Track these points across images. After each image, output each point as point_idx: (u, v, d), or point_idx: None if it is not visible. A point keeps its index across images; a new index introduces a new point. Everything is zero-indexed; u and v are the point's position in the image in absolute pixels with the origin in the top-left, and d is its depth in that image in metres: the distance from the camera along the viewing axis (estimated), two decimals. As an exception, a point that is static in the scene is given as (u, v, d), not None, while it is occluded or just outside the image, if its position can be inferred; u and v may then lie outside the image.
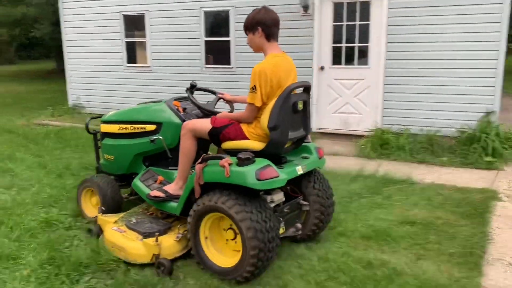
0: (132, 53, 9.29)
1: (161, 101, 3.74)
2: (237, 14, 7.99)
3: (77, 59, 9.93)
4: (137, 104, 4.00)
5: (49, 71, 24.65)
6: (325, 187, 3.55)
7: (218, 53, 8.50)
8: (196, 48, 8.48)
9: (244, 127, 3.16)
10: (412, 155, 6.29)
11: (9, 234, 3.46)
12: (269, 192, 3.17)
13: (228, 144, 3.19)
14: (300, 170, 3.18)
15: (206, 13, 8.31)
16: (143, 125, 3.68)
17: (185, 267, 3.18)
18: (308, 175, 3.49)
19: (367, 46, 7.15)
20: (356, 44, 7.24)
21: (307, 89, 3.25)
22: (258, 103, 3.02)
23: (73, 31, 9.85)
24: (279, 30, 3.22)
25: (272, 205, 3.16)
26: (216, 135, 3.21)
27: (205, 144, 3.52)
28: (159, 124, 3.61)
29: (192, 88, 3.60)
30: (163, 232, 3.28)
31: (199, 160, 3.06)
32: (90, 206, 4.01)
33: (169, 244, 3.20)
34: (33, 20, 17.36)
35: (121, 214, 3.63)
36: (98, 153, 4.22)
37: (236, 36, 8.08)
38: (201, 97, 4.05)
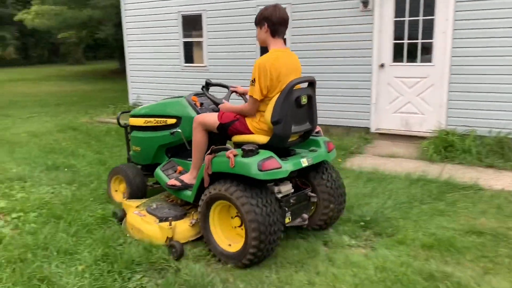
0: (189, 53, 9.42)
1: (182, 97, 3.99)
2: (293, 12, 7.85)
3: (137, 59, 10.23)
4: (162, 100, 4.26)
5: (112, 70, 25.78)
6: (335, 178, 3.65)
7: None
8: (252, 47, 8.44)
9: (248, 122, 3.32)
10: (479, 159, 5.85)
11: (67, 229, 3.56)
12: (277, 183, 3.32)
13: (237, 138, 3.39)
14: (305, 162, 3.28)
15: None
16: (164, 119, 3.97)
17: (234, 270, 3.12)
18: (317, 167, 3.61)
19: (431, 43, 6.75)
20: (419, 40, 6.86)
21: (312, 83, 3.36)
22: (257, 96, 3.16)
23: (133, 32, 10.16)
24: (286, 29, 3.34)
25: (280, 195, 3.29)
26: (224, 130, 3.41)
27: (223, 137, 3.61)
28: (178, 118, 3.88)
29: (208, 85, 3.93)
30: (179, 218, 3.55)
31: (208, 151, 3.27)
32: (118, 192, 4.36)
33: (183, 228, 3.46)
34: (98, 22, 18.20)
35: (143, 200, 3.93)
36: (129, 144, 4.50)
37: (293, 33, 7.94)
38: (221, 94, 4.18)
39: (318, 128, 3.70)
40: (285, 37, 7.91)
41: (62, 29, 20.91)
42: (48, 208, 3.95)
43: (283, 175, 3.09)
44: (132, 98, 10.53)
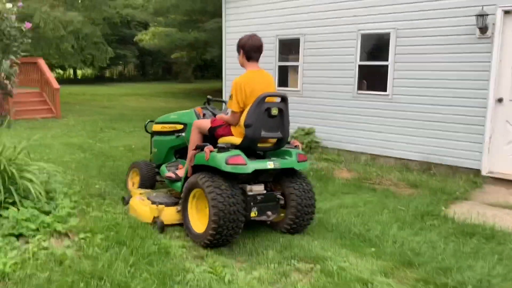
0: (284, 77, 9.19)
1: (192, 109, 4.83)
2: (398, 37, 7.22)
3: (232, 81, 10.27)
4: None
5: (216, 90, 26.74)
6: (305, 191, 4.13)
7: (372, 79, 7.82)
8: (349, 72, 7.94)
9: (232, 126, 4.02)
10: None
11: (127, 258, 3.39)
12: (250, 183, 3.96)
13: (220, 140, 4.05)
14: (271, 165, 3.85)
15: (363, 35, 7.72)
16: (175, 125, 4.84)
17: None
18: (291, 177, 4.16)
19: None
20: (550, 73, 5.83)
21: (284, 99, 3.99)
22: (234, 108, 3.89)
23: (232, 55, 10.24)
24: (260, 53, 4.06)
25: (251, 193, 3.90)
26: (213, 132, 4.14)
27: (213, 139, 4.19)
28: (185, 125, 4.72)
29: (209, 101, 4.84)
30: (169, 205, 4.26)
31: (194, 148, 4.04)
32: (133, 182, 5.23)
33: (169, 213, 4.19)
34: (204, 44, 19.05)
35: (148, 190, 4.82)
36: (151, 147, 5.36)
37: (397, 60, 7.30)
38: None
39: (297, 143, 4.28)
40: (387, 63, 7.35)
41: (171, 50, 22.32)
42: (116, 231, 3.85)
43: (247, 171, 3.69)
44: (225, 119, 10.56)
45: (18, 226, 3.49)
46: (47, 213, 3.88)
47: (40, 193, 3.80)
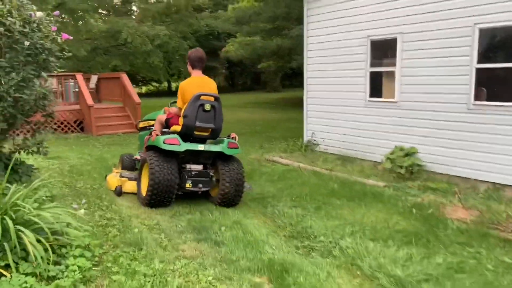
0: (377, 86, 7.68)
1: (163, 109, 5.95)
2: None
3: (315, 91, 9.00)
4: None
5: (302, 99, 25.49)
6: (236, 173, 5.13)
7: (494, 86, 6.06)
8: (462, 78, 6.24)
9: (180, 118, 5.21)
10: None
11: None
12: (189, 162, 5.24)
13: (171, 128, 5.36)
14: (201, 148, 5.03)
15: (482, 31, 6.00)
16: (149, 121, 6.28)
17: None
18: (225, 161, 5.22)
19: None
20: None
21: (217, 99, 5.12)
22: (179, 105, 5.25)
23: (314, 61, 8.98)
24: (202, 63, 5.30)
25: (188, 169, 5.19)
26: (167, 122, 5.48)
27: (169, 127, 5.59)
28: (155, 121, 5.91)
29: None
30: (132, 179, 5.62)
31: (149, 133, 5.58)
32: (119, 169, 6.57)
33: (130, 184, 5.63)
34: (288, 51, 17.96)
35: (124, 171, 6.21)
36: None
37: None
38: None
39: (234, 135, 5.35)
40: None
41: (255, 59, 21.62)
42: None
43: (180, 149, 4.95)
44: (307, 135, 9.28)
45: (-1, 306, 2.59)
46: (52, 279, 2.95)
47: (40, 252, 2.88)
